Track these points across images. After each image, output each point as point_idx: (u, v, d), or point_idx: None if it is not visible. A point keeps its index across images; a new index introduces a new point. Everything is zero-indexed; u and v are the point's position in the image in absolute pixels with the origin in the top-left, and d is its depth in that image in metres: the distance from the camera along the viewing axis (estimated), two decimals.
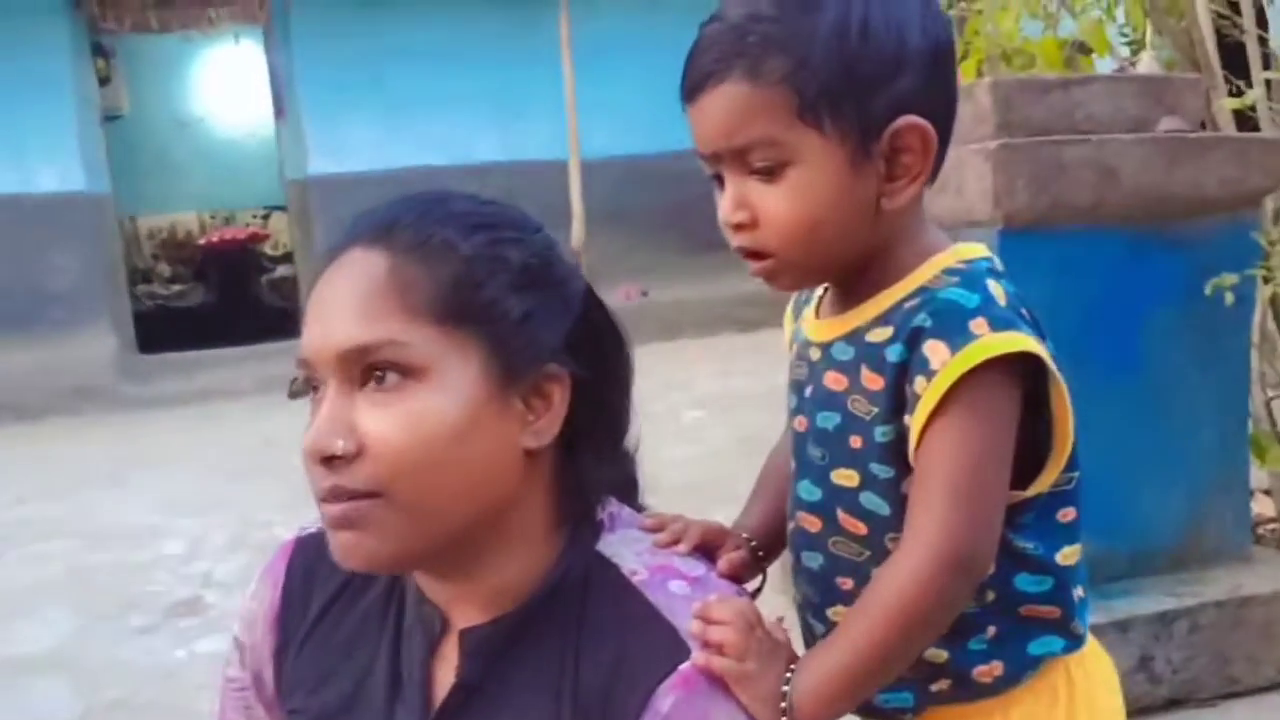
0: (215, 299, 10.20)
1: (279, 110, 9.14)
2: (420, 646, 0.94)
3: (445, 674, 0.92)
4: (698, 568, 0.92)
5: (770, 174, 0.91)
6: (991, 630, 0.96)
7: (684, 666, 0.83)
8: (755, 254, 0.94)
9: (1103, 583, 2.38)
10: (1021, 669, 0.98)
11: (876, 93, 0.90)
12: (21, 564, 4.22)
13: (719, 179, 0.94)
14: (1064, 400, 0.94)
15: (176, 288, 10.43)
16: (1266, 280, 2.52)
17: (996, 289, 0.93)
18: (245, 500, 4.84)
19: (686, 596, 0.87)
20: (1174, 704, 2.36)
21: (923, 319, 0.90)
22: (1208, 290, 2.35)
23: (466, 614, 0.92)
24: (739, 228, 0.93)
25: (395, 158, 8.75)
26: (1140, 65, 2.88)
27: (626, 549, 0.92)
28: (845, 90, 0.89)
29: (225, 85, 11.20)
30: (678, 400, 5.95)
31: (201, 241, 10.58)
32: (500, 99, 9.02)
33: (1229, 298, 2.36)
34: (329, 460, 0.82)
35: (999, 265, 0.99)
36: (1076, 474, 0.99)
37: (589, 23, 8.22)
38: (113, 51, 10.12)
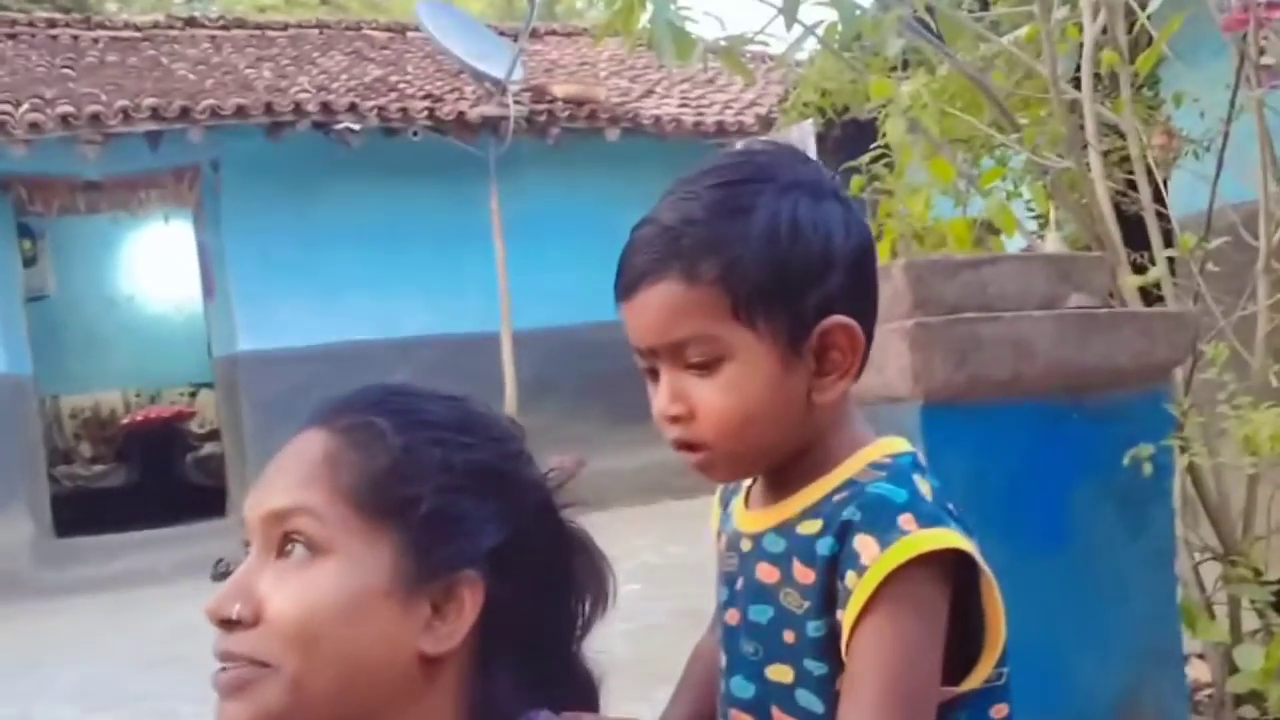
0: (138, 479, 9.99)
1: (208, 289, 9.15)
2: None
3: None
4: None
5: (705, 368, 0.94)
6: None
7: None
8: (691, 446, 0.96)
9: None
10: None
11: (806, 293, 0.93)
12: None
13: (653, 373, 0.97)
14: (994, 595, 0.95)
15: (98, 468, 10.19)
16: (1183, 450, 2.58)
17: (922, 484, 0.96)
18: (161, 692, 4.64)
19: None
20: None
21: (851, 512, 0.91)
22: (1126, 461, 2.41)
23: None
24: (675, 420, 0.96)
25: (325, 333, 8.78)
26: (1047, 244, 3.00)
27: None
28: (776, 291, 0.93)
29: (154, 264, 11.21)
30: (615, 572, 5.87)
31: (125, 420, 10.41)
32: (432, 275, 9.14)
33: (1147, 468, 2.41)
34: (225, 622, 0.84)
35: (922, 460, 1.01)
36: (1007, 670, 0.99)
37: (518, 202, 8.43)
38: (40, 233, 10.11)
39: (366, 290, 8.97)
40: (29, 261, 9.54)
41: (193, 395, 10.95)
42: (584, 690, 1.01)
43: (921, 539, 0.89)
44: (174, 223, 9.87)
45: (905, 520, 0.90)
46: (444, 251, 9.10)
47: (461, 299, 9.06)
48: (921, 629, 0.89)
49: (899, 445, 1.01)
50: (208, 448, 10.06)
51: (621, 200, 9.55)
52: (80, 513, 8.76)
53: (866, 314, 0.98)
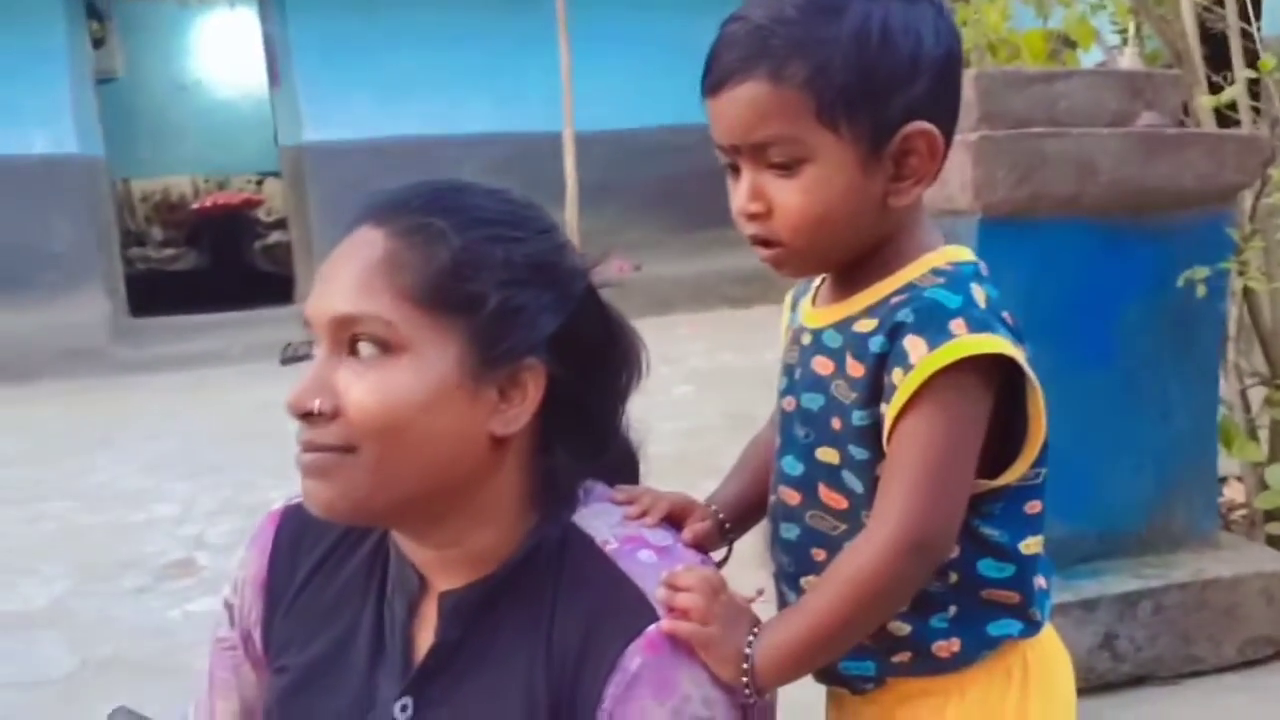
0: (208, 263, 10.22)
1: (273, 77, 9.13)
2: (401, 608, 1.00)
3: (426, 635, 0.98)
4: (666, 538, 0.98)
5: (787, 169, 0.96)
6: (953, 609, 1.02)
7: (650, 629, 0.89)
8: (766, 242, 1.00)
9: (1071, 563, 2.46)
10: (979, 648, 1.04)
11: (891, 99, 0.95)
12: (17, 523, 4.28)
13: (734, 169, 1.00)
14: (1038, 401, 1.00)
15: (169, 251, 10.44)
16: (1240, 274, 2.59)
17: (979, 292, 0.98)
18: (236, 464, 4.90)
19: (654, 565, 0.93)
20: (1137, 681, 2.45)
21: (905, 314, 0.95)
22: (1180, 282, 2.42)
23: (445, 578, 0.98)
24: (753, 217, 0.99)
25: (389, 127, 8.77)
26: (1123, 60, 2.93)
27: (600, 521, 0.98)
28: (862, 96, 0.94)
29: (220, 51, 11.17)
30: (668, 375, 6.02)
31: (195, 206, 10.58)
32: (496, 71, 9.03)
33: (1201, 290, 2.43)
34: (307, 416, 0.90)
35: (984, 270, 1.03)
36: (1044, 470, 1.05)
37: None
38: (108, 14, 10.08)
39: (431, 85, 8.90)
40: (97, 43, 9.55)
41: (259, 183, 11.07)
42: (625, 458, 1.09)
43: (968, 343, 0.92)
44: (239, 8, 9.78)
45: (956, 325, 0.93)
46: (508, 48, 8.97)
47: (525, 97, 8.97)
48: (958, 428, 0.93)
49: (963, 254, 1.04)
50: (274, 235, 10.24)
51: (689, 2, 9.35)
52: (153, 294, 9.03)
53: (948, 120, 1.00)
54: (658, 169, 8.99)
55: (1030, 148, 2.39)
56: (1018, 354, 0.96)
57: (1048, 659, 1.13)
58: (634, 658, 0.87)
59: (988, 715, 1.06)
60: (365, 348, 0.89)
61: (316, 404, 0.89)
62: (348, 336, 0.89)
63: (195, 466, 4.96)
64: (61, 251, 7.99)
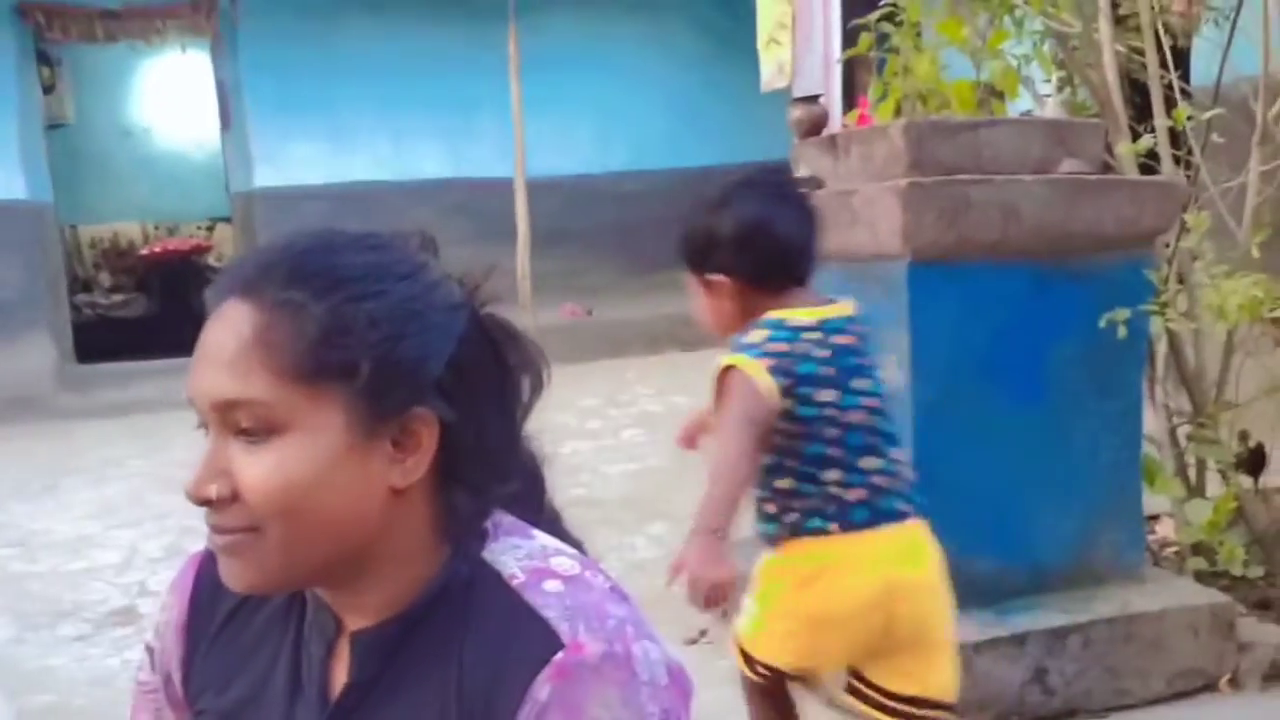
0: (156, 309, 10.14)
1: (225, 122, 9.13)
2: (319, 648, 1.01)
3: (341, 674, 0.99)
4: (574, 567, 0.99)
5: None
6: (791, 509, 1.83)
7: (558, 657, 0.90)
8: None
9: (1002, 598, 2.52)
10: (798, 533, 1.82)
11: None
12: None
13: None
14: (766, 381, 1.76)
15: (117, 297, 10.35)
16: (1161, 314, 2.67)
17: (758, 335, 1.80)
18: (180, 511, 4.84)
19: (559, 594, 0.94)
20: (1068, 714, 2.50)
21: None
22: (1102, 323, 2.50)
23: (358, 619, 0.99)
24: None
25: (341, 173, 8.81)
26: (1048, 109, 3.03)
27: (507, 555, 0.98)
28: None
29: (171, 95, 11.15)
30: (617, 417, 6.05)
31: (144, 251, 10.51)
32: (448, 117, 9.10)
33: (1122, 331, 2.51)
34: (207, 502, 0.91)
35: (786, 322, 1.81)
36: (817, 436, 1.82)
37: (537, 41, 8.32)
38: (58, 60, 10.05)
39: (382, 131, 8.97)
40: (47, 89, 9.51)
41: (210, 229, 11.03)
42: (530, 478, 1.08)
43: (730, 357, 1.78)
44: (191, 52, 9.78)
45: (737, 349, 1.78)
46: (460, 94, 9.04)
47: (478, 143, 9.05)
48: (736, 390, 1.77)
49: (787, 315, 1.82)
50: None
51: (642, 44, 9.50)
52: (100, 340, 8.95)
53: None
54: (609, 214, 9.09)
55: (957, 194, 2.47)
56: (742, 362, 1.76)
57: (852, 553, 1.82)
58: (543, 687, 0.89)
59: (793, 571, 1.86)
60: (250, 430, 0.89)
61: (214, 490, 0.90)
62: (232, 420, 0.90)
63: (139, 513, 4.92)
64: (8, 298, 7.91)
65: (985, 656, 2.41)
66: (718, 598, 1.67)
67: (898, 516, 1.83)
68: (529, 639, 0.92)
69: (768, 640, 1.90)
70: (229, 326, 0.90)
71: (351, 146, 8.88)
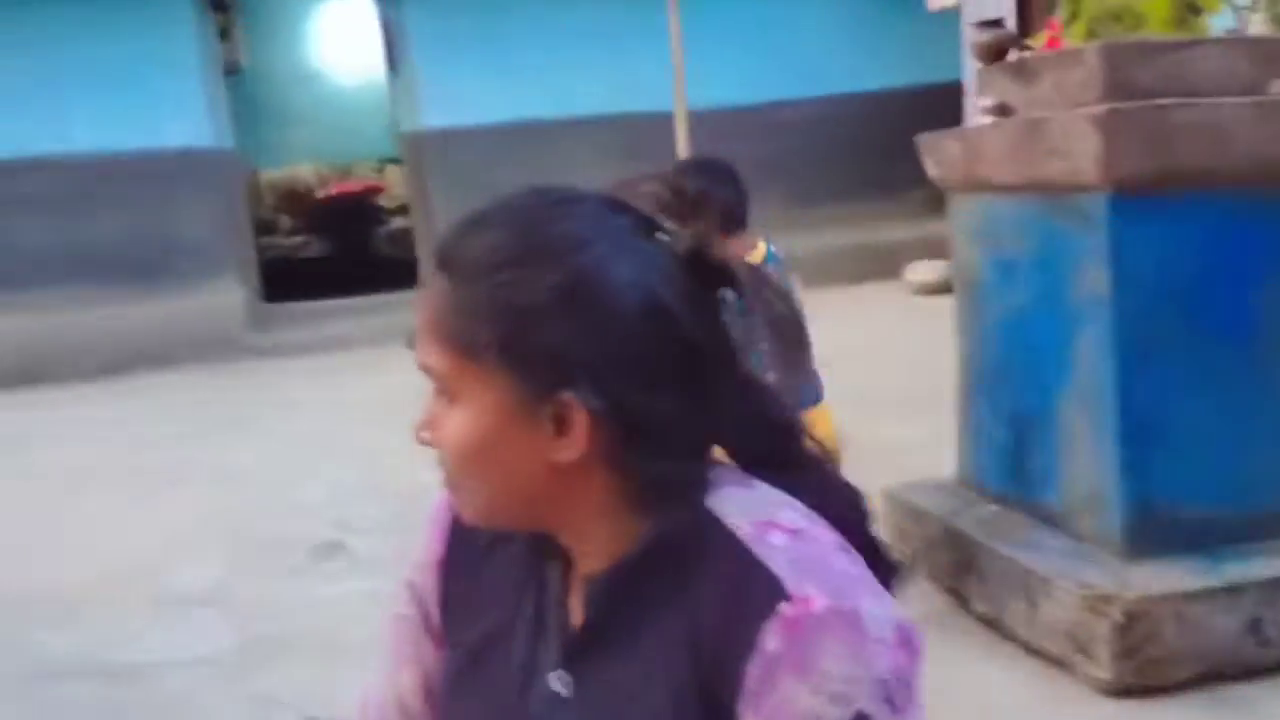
0: (334, 250, 10.53)
1: (392, 64, 9.34)
2: (556, 586, 1.07)
3: (578, 614, 1.05)
4: (799, 521, 0.99)
5: None
6: None
7: (785, 610, 0.92)
8: None
9: (1215, 546, 2.43)
10: None
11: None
12: (170, 505, 4.53)
13: None
14: None
15: (297, 239, 10.78)
16: None
17: None
18: (373, 448, 5.09)
19: (784, 548, 0.96)
20: None
21: None
22: None
23: (587, 563, 1.04)
24: None
25: (505, 111, 8.91)
26: (1252, 26, 2.86)
27: (730, 506, 1.00)
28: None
29: (340, 39, 11.44)
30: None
31: (319, 194, 10.90)
32: (608, 52, 9.09)
33: None
34: (426, 443, 1.01)
35: None
36: None
37: None
38: (232, 6, 10.41)
39: (544, 67, 9.01)
40: (222, 35, 9.88)
41: (381, 170, 11.34)
42: (769, 429, 1.07)
43: None
44: None
45: None
46: (620, 30, 9.01)
47: (637, 78, 9.01)
48: None
49: None
50: (397, 221, 10.50)
51: None
52: (282, 281, 9.37)
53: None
54: (772, 144, 8.98)
55: (1160, 119, 2.36)
56: None
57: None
58: (770, 638, 0.91)
59: None
60: (442, 391, 0.98)
61: (425, 436, 1.01)
62: (431, 378, 0.99)
63: (334, 450, 5.17)
64: (200, 241, 8.34)
65: (1198, 606, 2.34)
66: None
67: (815, 399, 2.73)
68: (755, 590, 0.94)
69: None
70: (426, 296, 0.98)
71: (514, 84, 8.96)
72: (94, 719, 2.73)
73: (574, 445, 0.95)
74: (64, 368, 7.65)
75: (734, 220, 2.71)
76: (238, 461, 5.12)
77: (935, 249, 8.21)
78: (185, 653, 3.06)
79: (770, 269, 2.65)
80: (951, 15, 8.31)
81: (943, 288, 7.70)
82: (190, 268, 8.28)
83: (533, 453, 0.97)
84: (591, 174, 7.98)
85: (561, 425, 0.95)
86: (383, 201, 10.81)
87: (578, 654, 1.04)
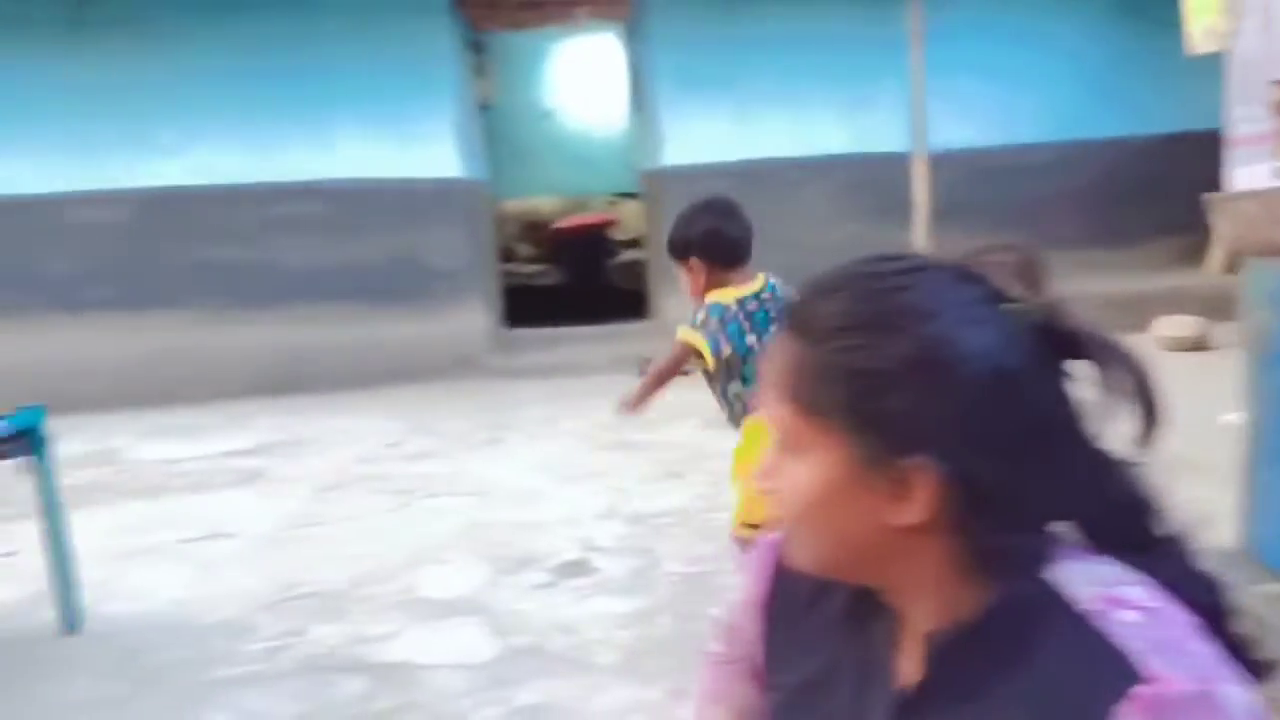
0: (568, 279, 10.90)
1: (635, 102, 9.63)
2: (883, 642, 1.08)
3: (908, 671, 1.05)
4: (1151, 600, 0.96)
5: None
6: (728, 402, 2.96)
7: (1142, 691, 0.89)
8: None
9: None
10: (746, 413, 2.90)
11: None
12: (425, 515, 4.80)
13: None
14: (704, 346, 2.86)
15: (534, 267, 11.21)
16: None
17: (702, 314, 2.88)
18: (609, 472, 5.26)
19: (1138, 625, 0.93)
20: None
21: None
22: None
23: (918, 622, 1.04)
24: None
25: (742, 150, 9.05)
26: None
27: (1075, 579, 0.97)
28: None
29: (583, 78, 11.86)
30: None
31: (556, 225, 11.32)
32: (847, 90, 9.11)
33: None
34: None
35: (723, 304, 2.88)
36: (728, 371, 2.90)
37: (939, 11, 8.16)
38: (485, 46, 10.97)
39: (783, 107, 9.11)
40: (476, 75, 10.42)
41: (613, 204, 11.68)
42: (1124, 505, 1.03)
43: (682, 331, 2.90)
44: (603, 36, 10.37)
45: (692, 325, 2.88)
46: (859, 67, 9.03)
47: (876, 117, 9.02)
48: (675, 353, 2.92)
49: (719, 298, 2.89)
50: (628, 254, 10.78)
51: (1049, 9, 9.08)
52: (521, 307, 9.76)
53: None
54: (1014, 188, 8.80)
55: None
56: (693, 338, 2.86)
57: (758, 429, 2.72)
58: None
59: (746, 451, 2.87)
60: (782, 445, 1.02)
61: (765, 485, 1.05)
62: (775, 432, 1.03)
63: (575, 471, 5.36)
64: (452, 267, 8.80)
65: None
66: (628, 411, 3.16)
67: None
68: (1106, 669, 0.91)
69: (748, 507, 2.88)
70: (775, 350, 1.03)
71: (753, 124, 9.10)
72: (365, 715, 2.92)
73: (915, 510, 0.96)
74: (324, 378, 8.21)
75: (733, 255, 3.04)
76: (484, 476, 5.38)
77: (1184, 303, 7.85)
78: (447, 657, 3.24)
79: (760, 302, 3.03)
80: (1211, 61, 7.95)
81: (1195, 345, 7.35)
82: (441, 291, 8.74)
83: (870, 513, 0.98)
84: (827, 214, 8.08)
85: (902, 489, 0.95)
86: (615, 234, 11.12)
87: (910, 712, 1.03)
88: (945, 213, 8.02)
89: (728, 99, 9.09)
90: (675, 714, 2.74)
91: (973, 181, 8.75)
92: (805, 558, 1.05)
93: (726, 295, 3.00)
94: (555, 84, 12.34)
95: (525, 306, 9.84)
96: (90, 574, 3.91)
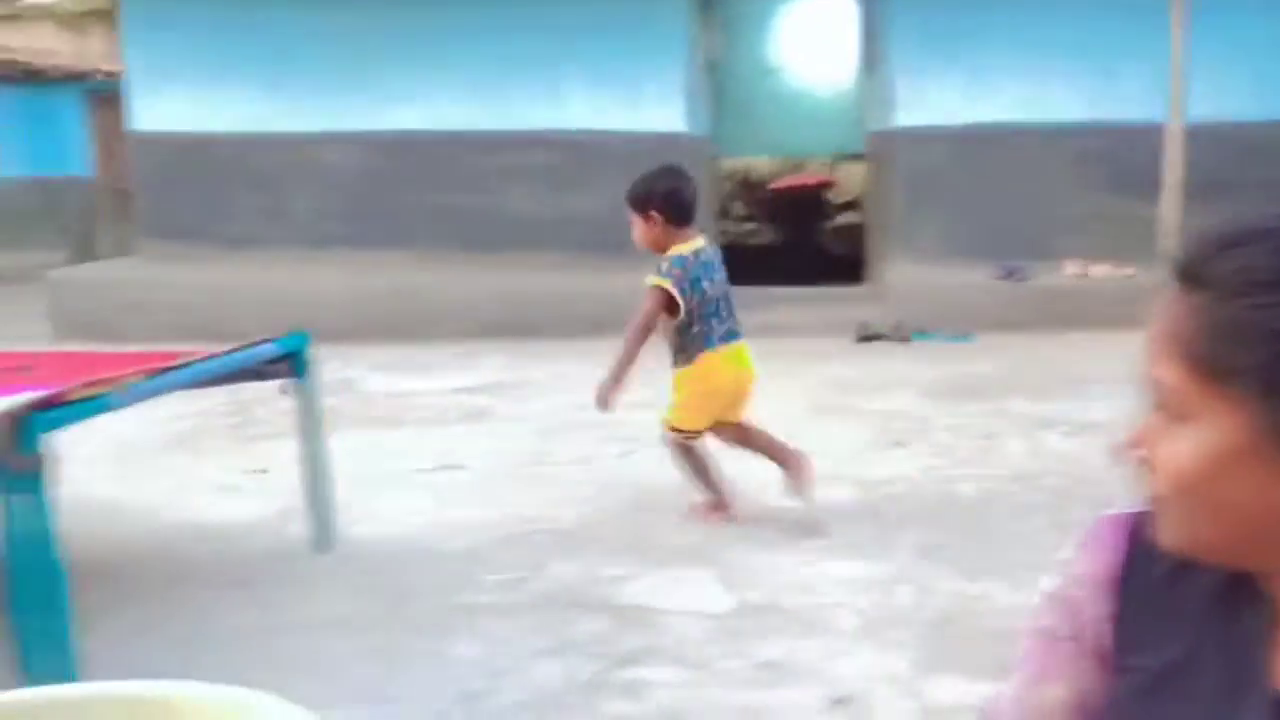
0: (781, 240, 10.81)
1: (866, 61, 9.42)
2: (1257, 634, 1.00)
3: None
4: None
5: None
6: (684, 346, 3.87)
7: None
8: None
9: None
10: (692, 357, 3.87)
11: None
12: (649, 464, 4.80)
13: None
14: (674, 294, 3.75)
15: (748, 226, 11.16)
16: None
17: (675, 266, 3.77)
18: (833, 437, 5.20)
19: None
20: None
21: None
22: None
23: None
24: None
25: (975, 114, 8.74)
26: None
27: None
28: None
29: (810, 36, 11.67)
30: None
31: (772, 185, 11.22)
32: (1091, 58, 8.66)
33: None
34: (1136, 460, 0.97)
35: (686, 254, 3.83)
36: (697, 314, 3.84)
37: None
38: (715, 3, 10.92)
39: (1021, 73, 8.73)
40: (705, 31, 10.39)
41: (831, 166, 11.50)
42: None
43: (652, 279, 3.79)
44: None
45: (659, 273, 3.80)
46: (1106, 35, 8.57)
47: (1122, 87, 8.55)
48: (652, 300, 3.78)
49: (681, 249, 3.81)
50: (844, 217, 10.60)
51: None
52: (733, 265, 9.71)
53: None
54: (1274, 163, 8.21)
55: None
56: (664, 283, 3.75)
57: (716, 360, 3.84)
58: None
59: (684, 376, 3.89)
60: (1166, 409, 0.93)
61: (1137, 455, 0.96)
62: (1156, 394, 0.94)
63: (794, 433, 5.27)
64: None
65: None
66: (603, 403, 3.77)
67: (737, 337, 3.95)
68: None
69: (683, 415, 3.86)
70: (1163, 307, 0.94)
71: (989, 87, 8.76)
72: (609, 655, 2.97)
73: None
74: (544, 325, 8.40)
75: (686, 214, 3.89)
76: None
77: None
78: (684, 605, 3.27)
79: (708, 254, 3.94)
80: None
81: None
82: None
83: (1270, 489, 0.90)
84: (1063, 184, 7.72)
85: None
86: (831, 196, 10.95)
87: None
88: (1199, 189, 7.57)
89: (963, 60, 8.78)
90: (922, 687, 2.69)
91: (1232, 157, 8.20)
92: (1180, 535, 0.97)
93: (685, 248, 3.81)
94: (783, 41, 12.16)
95: (737, 265, 9.78)
96: (337, 496, 4.12)
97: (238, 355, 3.30)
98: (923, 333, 7.84)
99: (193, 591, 3.44)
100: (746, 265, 9.81)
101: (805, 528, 3.90)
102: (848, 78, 10.45)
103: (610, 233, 8.83)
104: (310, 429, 3.81)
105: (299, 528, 3.86)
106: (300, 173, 9.21)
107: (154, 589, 3.46)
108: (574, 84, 8.98)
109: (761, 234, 11.14)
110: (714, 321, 3.81)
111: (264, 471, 4.80)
